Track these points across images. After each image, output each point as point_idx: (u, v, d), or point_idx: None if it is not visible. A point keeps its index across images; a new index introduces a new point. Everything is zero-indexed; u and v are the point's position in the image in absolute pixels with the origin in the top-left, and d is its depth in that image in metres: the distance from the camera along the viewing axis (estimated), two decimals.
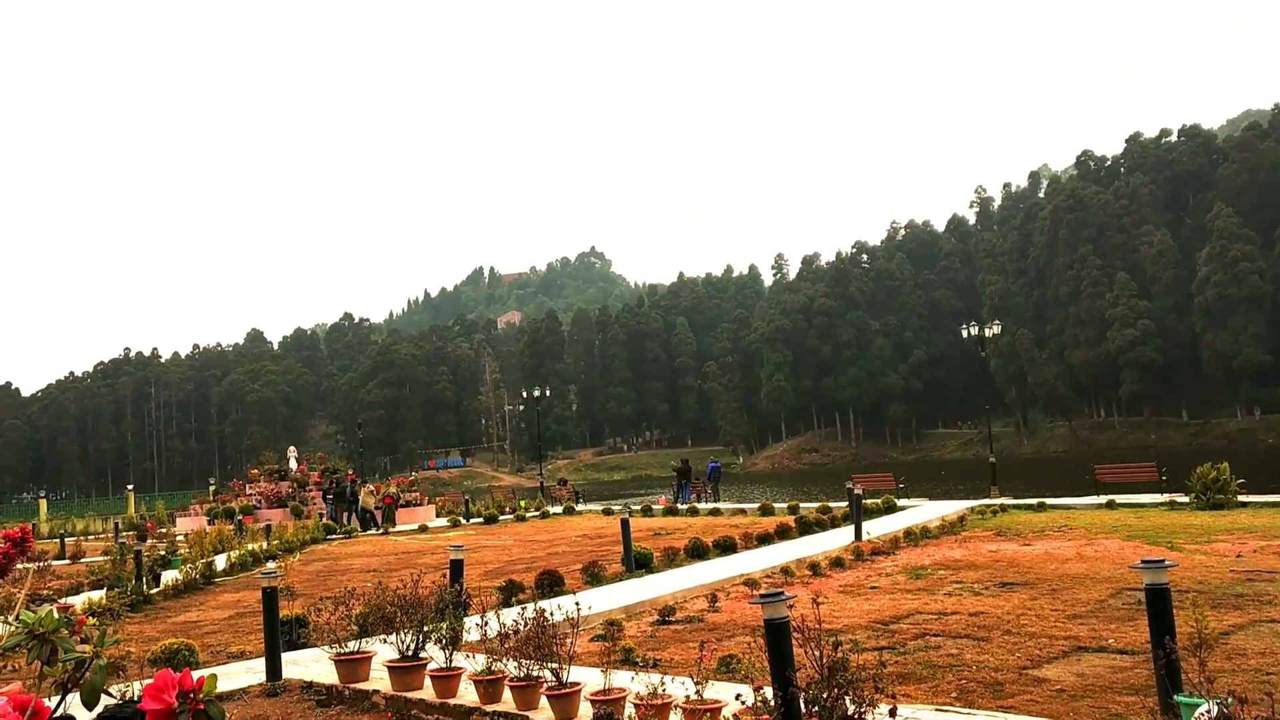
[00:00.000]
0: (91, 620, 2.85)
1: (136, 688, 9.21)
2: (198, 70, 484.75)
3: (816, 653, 6.70)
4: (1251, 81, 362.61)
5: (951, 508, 27.89)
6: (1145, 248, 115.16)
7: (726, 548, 20.46)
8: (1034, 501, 27.99)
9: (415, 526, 36.22)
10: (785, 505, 32.25)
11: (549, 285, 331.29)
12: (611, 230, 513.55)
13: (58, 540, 37.71)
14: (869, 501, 26.69)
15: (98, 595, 17.85)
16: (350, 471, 52.24)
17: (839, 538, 21.64)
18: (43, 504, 64.76)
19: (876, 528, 22.77)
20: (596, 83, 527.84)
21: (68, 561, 30.08)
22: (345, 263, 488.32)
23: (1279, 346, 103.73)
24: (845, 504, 26.41)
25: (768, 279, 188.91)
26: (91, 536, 44.31)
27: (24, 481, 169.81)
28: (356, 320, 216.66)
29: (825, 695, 6.29)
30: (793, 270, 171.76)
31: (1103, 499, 27.04)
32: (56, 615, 2.37)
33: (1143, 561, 7.00)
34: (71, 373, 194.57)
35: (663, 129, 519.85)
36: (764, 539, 21.81)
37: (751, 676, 8.52)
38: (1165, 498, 26.25)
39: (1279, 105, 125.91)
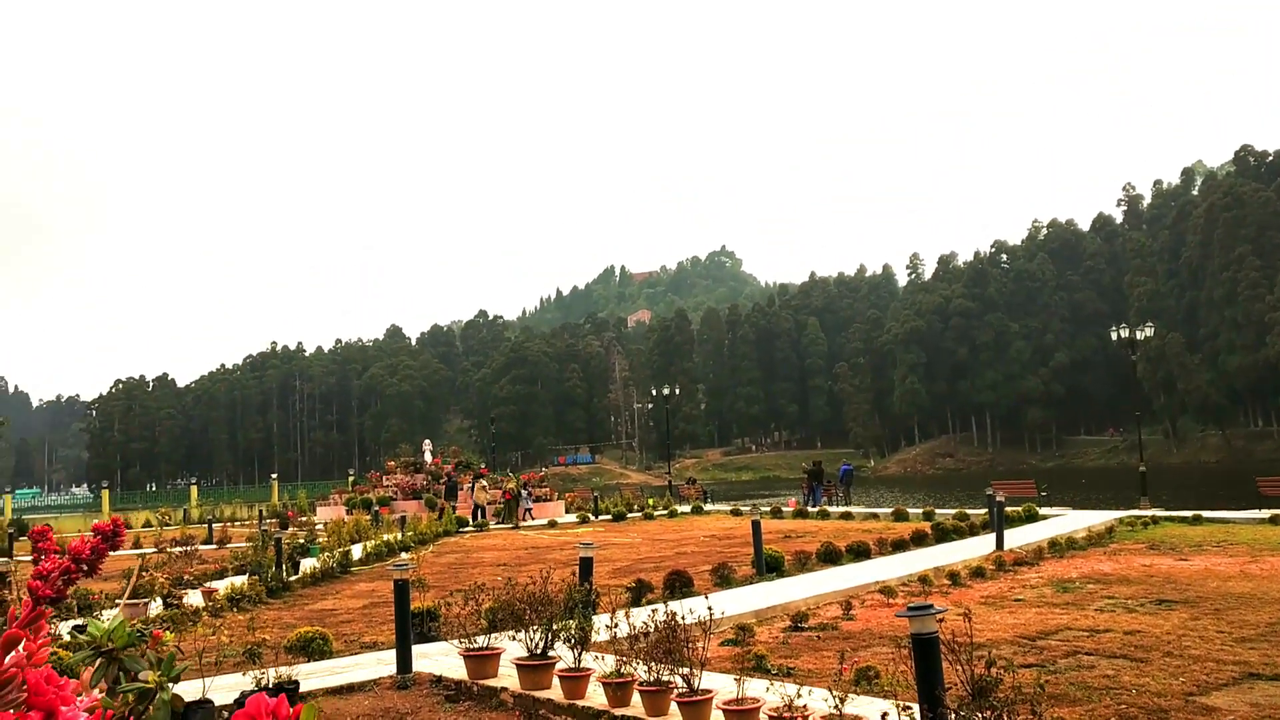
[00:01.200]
0: (169, 635, 2.61)
1: (271, 674, 9.33)
2: (343, 69, 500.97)
3: (966, 670, 6.28)
4: None
5: (1098, 518, 26.67)
6: None
7: (860, 553, 19.90)
8: (1188, 514, 26.55)
9: (544, 521, 36.51)
10: (920, 511, 31.37)
11: (679, 284, 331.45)
12: (742, 229, 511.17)
13: (206, 525, 39.26)
14: (1009, 509, 25.68)
15: (240, 581, 18.35)
16: (483, 465, 53.13)
17: (978, 546, 20.85)
18: (193, 490, 67.56)
19: (1018, 537, 21.88)
20: (725, 81, 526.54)
21: (215, 546, 31.19)
22: (481, 261, 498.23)
23: None
24: (983, 511, 25.51)
25: (902, 279, 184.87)
26: (238, 523, 46.01)
27: (179, 468, 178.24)
28: (491, 317, 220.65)
29: (977, 717, 5.88)
30: (928, 270, 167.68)
31: (1265, 514, 25.43)
32: (130, 627, 2.10)
33: None
34: (222, 365, 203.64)
35: (791, 125, 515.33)
36: (899, 545, 21.17)
37: (894, 691, 8.11)
38: None
39: None
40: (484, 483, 39.13)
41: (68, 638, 12.70)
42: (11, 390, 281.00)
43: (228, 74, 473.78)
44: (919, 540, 22.01)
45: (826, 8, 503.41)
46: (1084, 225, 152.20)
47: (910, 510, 31.85)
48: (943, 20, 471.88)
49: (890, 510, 32.61)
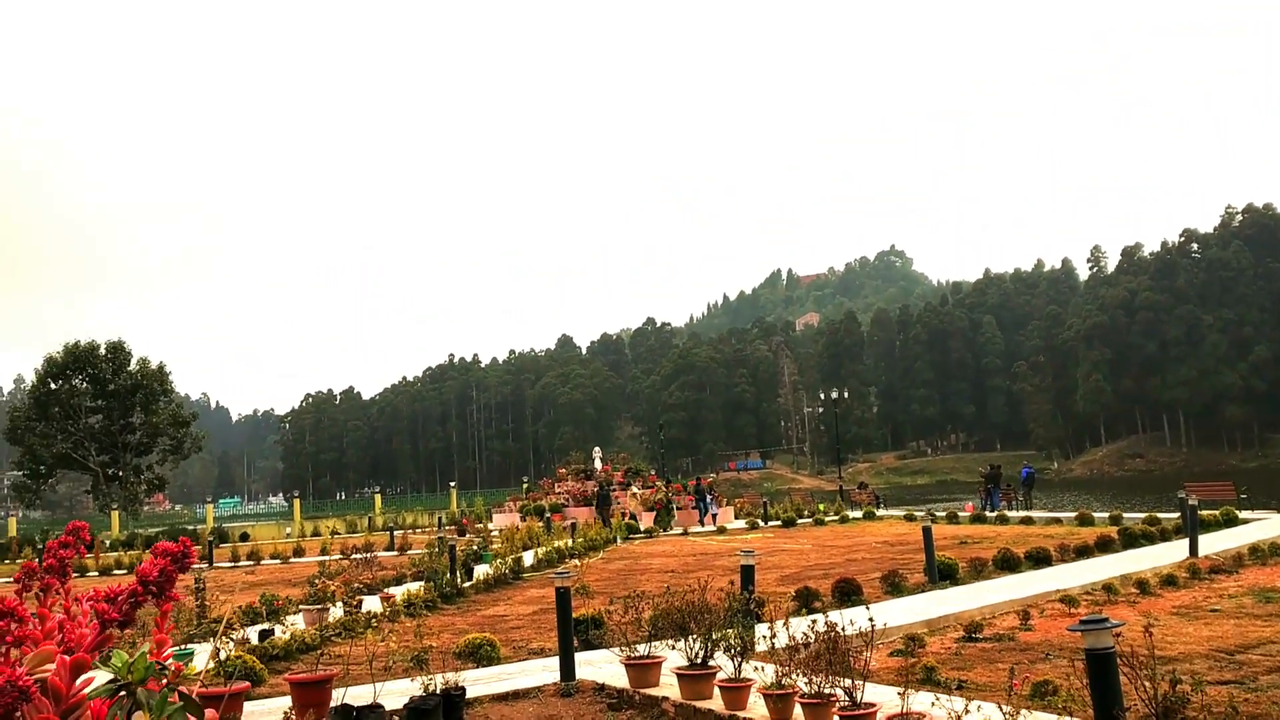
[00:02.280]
0: (192, 668, 2.59)
1: (439, 680, 9.52)
2: (498, 77, 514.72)
3: (1149, 688, 5.87)
4: None
5: None
6: None
7: (1040, 560, 19.04)
8: None
9: (714, 528, 36.45)
10: (1106, 515, 29.88)
11: (847, 285, 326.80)
12: (911, 228, 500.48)
13: (388, 533, 40.80)
14: (1205, 513, 24.17)
15: (416, 587, 18.92)
16: (652, 473, 53.47)
17: (1169, 553, 19.65)
18: (377, 498, 70.45)
19: (1215, 543, 20.54)
20: (886, 75, 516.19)
21: (395, 553, 32.35)
22: (648, 268, 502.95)
23: None
24: (1175, 515, 24.08)
25: (1083, 272, 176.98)
26: (418, 530, 47.64)
27: (364, 477, 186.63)
28: (659, 325, 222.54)
29: None
30: (1111, 262, 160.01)
31: None
32: (150, 660, 2.00)
33: None
34: (404, 377, 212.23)
35: (959, 117, 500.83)
36: (1082, 551, 20.16)
37: (1070, 709, 7.67)
38: None
39: None
40: (634, 490, 39.50)
41: (255, 641, 13.35)
42: (213, 406, 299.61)
43: (396, 88, 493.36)
44: (1104, 546, 20.92)
45: None
46: None
47: (1095, 514, 30.34)
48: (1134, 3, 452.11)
49: (1074, 514, 31.14)
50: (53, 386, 66.38)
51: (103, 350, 67.31)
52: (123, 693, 1.83)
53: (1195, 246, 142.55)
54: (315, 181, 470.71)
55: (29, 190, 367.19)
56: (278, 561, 33.36)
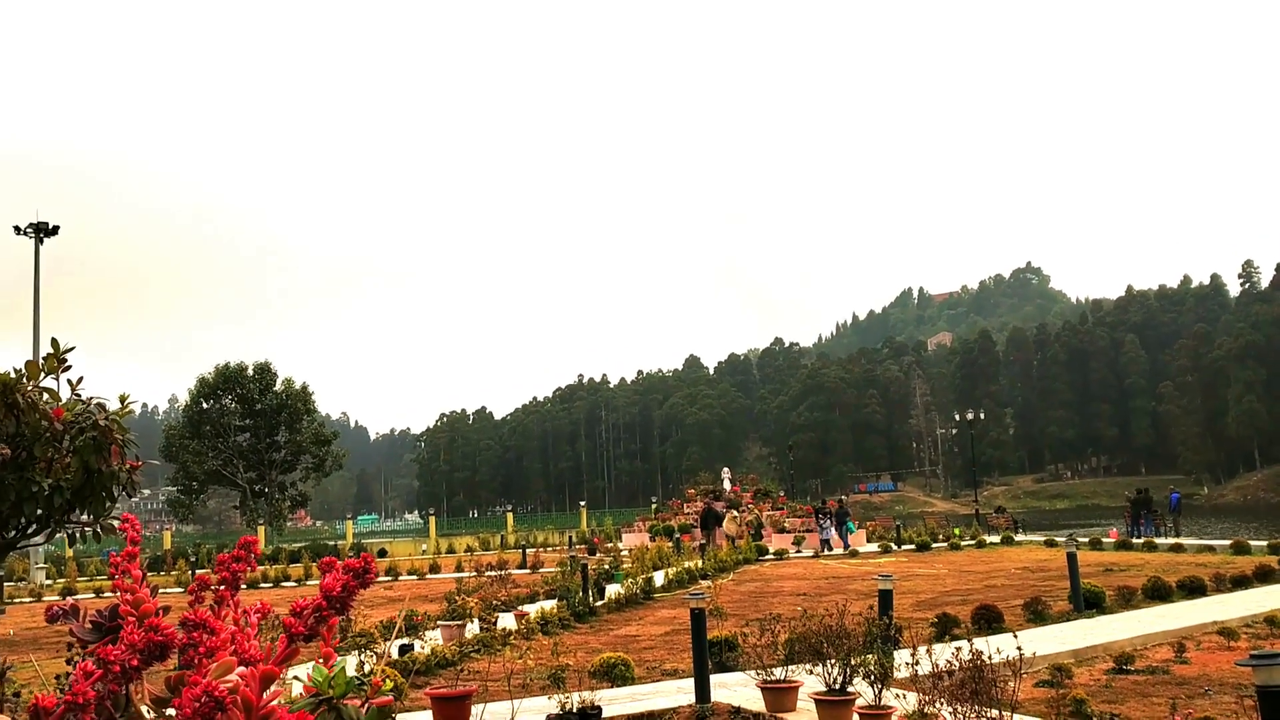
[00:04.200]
0: (391, 683, 2.62)
1: (575, 699, 9.60)
2: (598, 94, 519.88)
3: None
4: None
5: None
6: None
7: (1193, 589, 18.21)
8: None
9: (846, 551, 35.92)
10: (1264, 543, 28.38)
11: (981, 303, 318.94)
12: (1048, 243, 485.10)
13: (520, 550, 41.39)
14: None
15: (550, 605, 19.13)
16: (781, 494, 53.01)
17: None
18: (509, 516, 71.55)
19: None
20: (1028, 86, 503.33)
21: (528, 571, 32.80)
22: (776, 289, 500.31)
23: None
24: None
25: (1233, 288, 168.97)
26: (549, 548, 48.20)
27: (496, 496, 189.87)
28: (786, 345, 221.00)
29: None
30: (1265, 277, 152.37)
31: None
32: (351, 673, 2.04)
33: None
34: (534, 397, 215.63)
35: (1103, 129, 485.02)
36: (1239, 582, 19.18)
37: None
38: None
39: None
40: (735, 513, 38.91)
41: (396, 655, 13.68)
42: (352, 425, 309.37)
43: (517, 110, 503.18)
44: (1264, 576, 19.86)
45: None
46: None
47: (1252, 543, 28.87)
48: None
49: (1229, 542, 29.68)
50: (205, 406, 69.66)
51: (251, 371, 70.35)
52: (324, 707, 1.89)
53: None
54: (448, 204, 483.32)
55: (177, 211, 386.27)
56: (414, 578, 34.16)
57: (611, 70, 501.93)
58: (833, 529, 37.59)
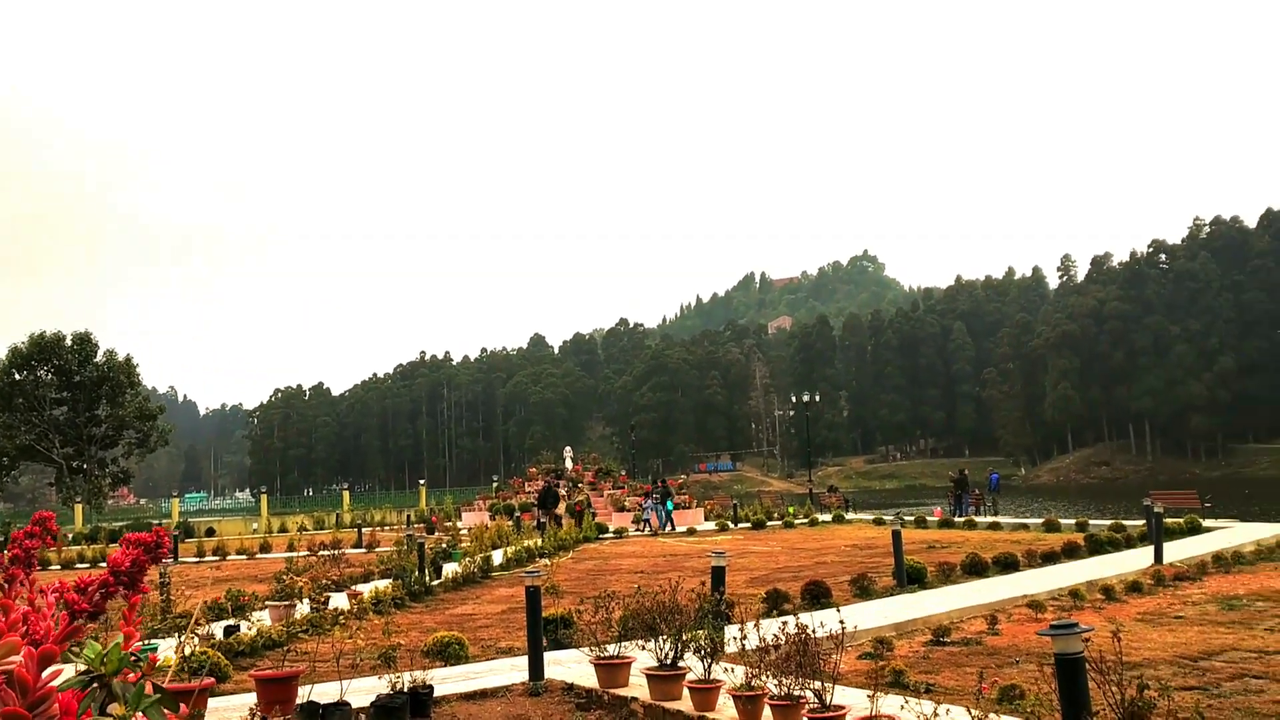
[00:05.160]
0: (168, 658, 2.54)
1: (406, 678, 9.46)
2: (483, 81, 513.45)
3: (1116, 693, 5.90)
4: None
5: (1269, 531, 25.08)
6: None
7: (1007, 565, 19.17)
8: None
9: (684, 529, 36.45)
10: (1073, 522, 30.10)
11: (820, 289, 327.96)
12: (884, 233, 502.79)
13: (356, 530, 40.55)
14: (1169, 521, 24.39)
15: (384, 584, 18.80)
16: (623, 473, 53.44)
17: (1134, 560, 19.83)
18: (345, 495, 69.88)
19: (1179, 550, 20.75)
20: (863, 81, 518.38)
21: (363, 550, 32.17)
22: (622, 269, 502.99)
23: None
24: (1141, 523, 24.31)
25: (1053, 281, 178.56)
26: (387, 527, 47.36)
27: (333, 474, 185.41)
28: (631, 325, 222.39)
29: None
30: (1081, 271, 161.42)
31: None
32: (123, 652, 1.92)
33: None
34: (374, 374, 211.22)
35: (935, 125, 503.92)
36: (1049, 557, 20.32)
37: (1038, 713, 7.71)
38: None
39: None
40: (564, 494, 38.83)
41: (220, 637, 13.22)
42: (181, 399, 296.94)
43: (372, 89, 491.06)
44: (1071, 552, 21.08)
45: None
46: (1250, 222, 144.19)
47: (1062, 521, 30.56)
48: (1098, 8, 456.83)
49: (1041, 521, 31.36)
50: (17, 377, 65.48)
51: (69, 341, 66.51)
52: (95, 684, 1.77)
53: (1163, 257, 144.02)
54: (287, 176, 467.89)
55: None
56: (244, 557, 33.08)
57: (458, 35, 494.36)
58: (652, 509, 37.76)
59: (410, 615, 16.89)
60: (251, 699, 9.32)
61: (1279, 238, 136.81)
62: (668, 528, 36.57)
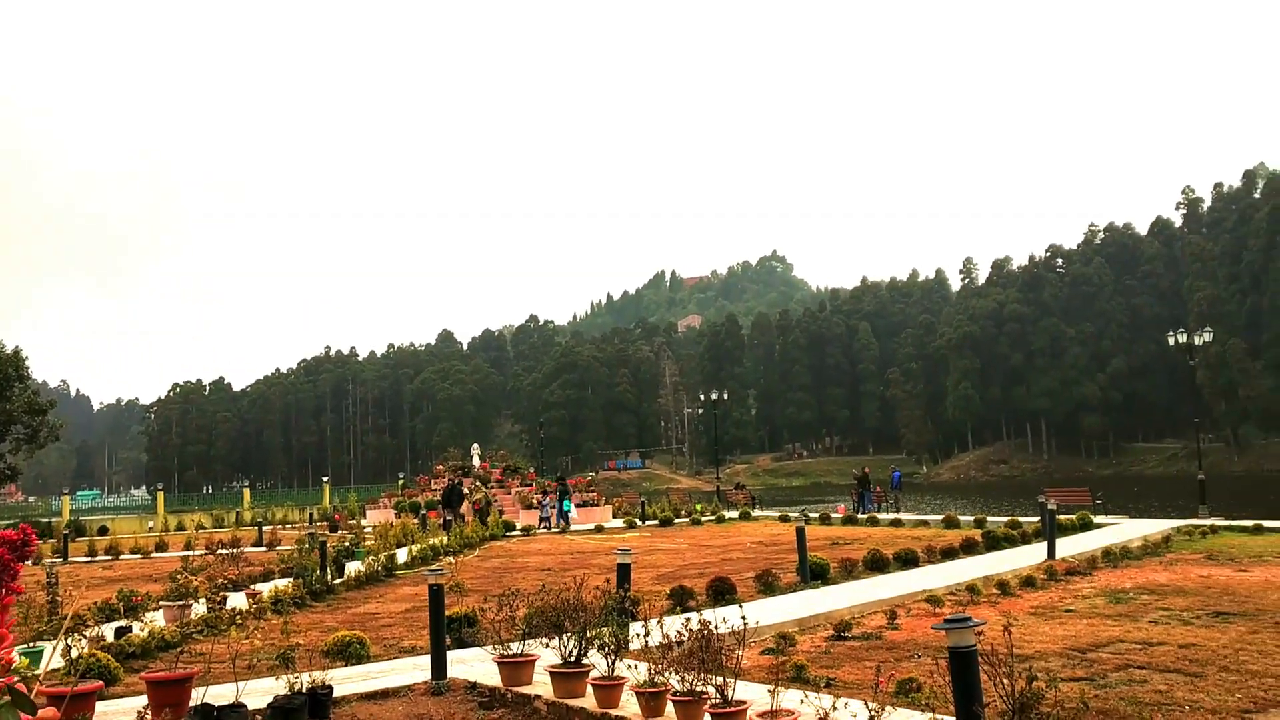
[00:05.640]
0: (22, 659, 2.47)
1: (305, 679, 9.28)
2: (391, 75, 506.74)
3: (1007, 685, 6.05)
4: None
5: (1155, 527, 26.05)
6: None
7: (908, 561, 19.57)
8: (1249, 523, 25.86)
9: (591, 526, 36.44)
10: (971, 518, 30.87)
11: (729, 289, 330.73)
12: (793, 234, 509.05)
13: (256, 528, 39.69)
14: (1063, 518, 25.15)
15: (285, 584, 18.43)
16: (531, 470, 53.21)
17: (1029, 555, 20.41)
18: (246, 492, 68.36)
19: (1071, 546, 21.41)
20: (778, 85, 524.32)
21: (264, 549, 31.53)
22: (532, 265, 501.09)
23: None
24: (1036, 519, 25.02)
25: (955, 283, 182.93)
26: (289, 525, 46.48)
27: (234, 471, 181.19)
28: (541, 322, 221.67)
29: None
30: (982, 274, 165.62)
31: None
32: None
33: None
34: (277, 369, 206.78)
35: (845, 129, 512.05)
36: (948, 553, 20.79)
37: (933, 705, 7.88)
38: None
39: None
40: (467, 491, 38.31)
41: (111, 639, 12.82)
42: (73, 394, 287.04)
43: (279, 80, 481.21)
44: (969, 548, 21.61)
45: (882, 6, 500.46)
46: (1142, 229, 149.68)
47: (961, 517, 31.35)
48: (1000, 20, 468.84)
49: (941, 518, 32.10)
50: None
51: None
52: None
53: (1060, 262, 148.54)
54: (187, 164, 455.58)
55: None
56: (138, 557, 32.15)
57: (364, 30, 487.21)
58: (551, 506, 37.62)
59: (311, 615, 16.60)
60: (142, 702, 9.05)
61: (1168, 244, 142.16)
62: (561, 525, 36.26)
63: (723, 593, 15.61)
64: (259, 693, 9.38)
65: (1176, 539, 23.50)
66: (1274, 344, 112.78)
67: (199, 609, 15.32)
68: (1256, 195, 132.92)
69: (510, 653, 9.86)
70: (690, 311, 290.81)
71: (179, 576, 16.12)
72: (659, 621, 8.67)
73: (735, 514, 40.13)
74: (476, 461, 49.07)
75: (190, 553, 26.56)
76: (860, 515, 36.81)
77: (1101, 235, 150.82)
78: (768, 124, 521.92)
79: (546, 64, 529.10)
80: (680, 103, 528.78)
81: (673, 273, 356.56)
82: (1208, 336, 43.89)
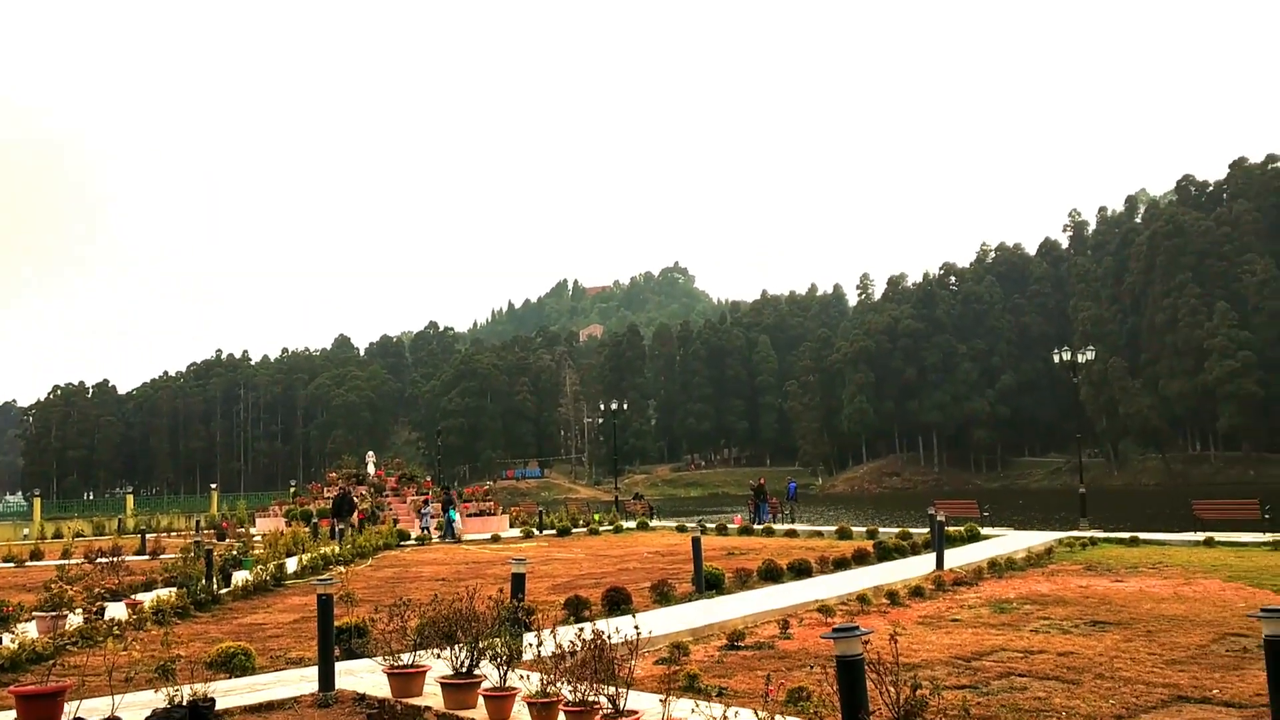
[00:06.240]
0: None
1: (185, 691, 8.99)
2: (300, 76, 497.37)
3: (893, 693, 6.16)
4: None
5: (1038, 539, 26.87)
6: (1247, 276, 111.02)
7: (801, 571, 19.82)
8: (1126, 535, 26.84)
9: (488, 536, 36.11)
10: (864, 529, 31.43)
11: (631, 299, 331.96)
12: (695, 246, 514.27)
13: (139, 536, 38.42)
14: (951, 529, 25.79)
15: (168, 593, 17.85)
16: (427, 479, 52.56)
17: (919, 566, 20.86)
18: (129, 499, 66.25)
19: (959, 557, 21.94)
20: (683, 97, 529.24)
21: (147, 557, 30.49)
22: (432, 272, 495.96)
23: None
24: (926, 530, 25.56)
25: (852, 299, 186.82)
26: (174, 533, 45.07)
27: (118, 477, 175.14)
28: (441, 329, 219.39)
29: None
30: (878, 290, 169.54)
31: (1200, 536, 25.78)
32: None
33: (1263, 610, 6.30)
34: (165, 372, 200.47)
35: (748, 144, 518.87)
36: (840, 564, 21.11)
37: (821, 714, 7.99)
38: (1269, 537, 24.91)
39: None
40: (356, 500, 37.30)
41: None
42: None
43: (163, 82, 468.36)
44: (861, 559, 21.99)
45: (774, 23, 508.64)
46: (1031, 249, 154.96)
47: (854, 528, 31.88)
48: (1041, 41, 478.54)
49: (834, 528, 32.62)
50: None
51: None
52: None
53: (953, 280, 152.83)
54: (67, 156, 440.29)
55: None
56: (12, 565, 30.81)
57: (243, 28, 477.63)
58: (430, 516, 36.98)
59: (195, 625, 16.12)
60: (11, 717, 8.68)
61: (1056, 265, 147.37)
62: (448, 537, 34.95)
63: (618, 603, 15.60)
64: (137, 706, 9.06)
65: (1058, 550, 24.25)
66: (1152, 363, 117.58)
67: (75, 620, 14.75)
68: (1138, 220, 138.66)
69: (401, 664, 9.71)
70: (592, 321, 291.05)
71: (54, 585, 15.49)
72: (553, 631, 8.63)
73: (633, 524, 40.22)
74: (372, 469, 48.28)
75: (68, 561, 25.59)
76: (756, 526, 37.18)
77: (993, 255, 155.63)
78: (670, 136, 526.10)
79: (449, 66, 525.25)
80: (584, 112, 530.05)
81: (575, 282, 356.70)
82: (1090, 355, 45.54)
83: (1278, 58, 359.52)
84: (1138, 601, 15.52)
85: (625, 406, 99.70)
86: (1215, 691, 9.46)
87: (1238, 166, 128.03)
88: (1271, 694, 6.27)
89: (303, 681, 10.94)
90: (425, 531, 35.71)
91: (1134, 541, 25.68)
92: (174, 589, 18.39)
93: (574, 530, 37.09)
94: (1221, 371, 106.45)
